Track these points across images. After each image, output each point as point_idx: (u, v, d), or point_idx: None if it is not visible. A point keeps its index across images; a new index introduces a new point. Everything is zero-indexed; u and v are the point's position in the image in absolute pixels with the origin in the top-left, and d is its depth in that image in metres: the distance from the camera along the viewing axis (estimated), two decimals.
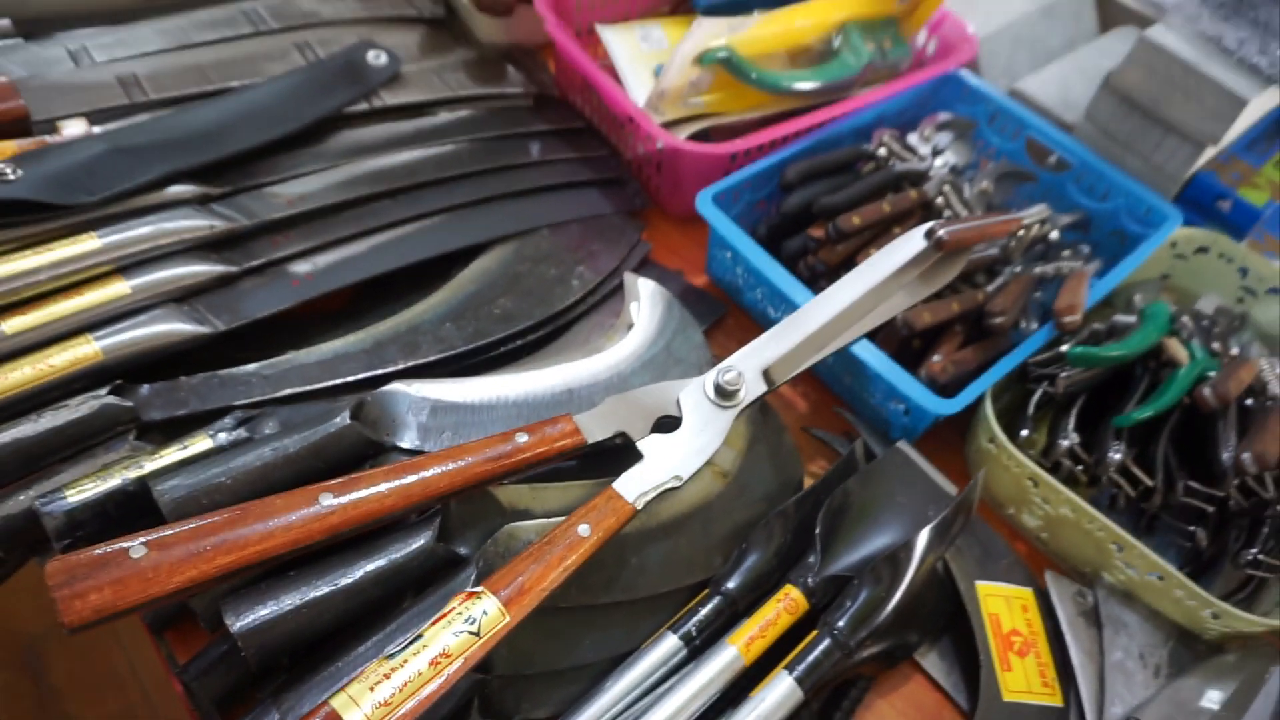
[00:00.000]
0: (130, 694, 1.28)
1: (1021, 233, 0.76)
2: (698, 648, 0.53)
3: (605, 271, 0.75)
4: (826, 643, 0.52)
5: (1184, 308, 0.74)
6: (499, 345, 0.68)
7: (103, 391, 0.56)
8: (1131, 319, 0.72)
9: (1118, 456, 0.64)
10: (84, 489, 0.51)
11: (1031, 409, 0.69)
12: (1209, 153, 0.79)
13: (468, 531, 0.53)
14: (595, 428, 0.56)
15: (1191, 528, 0.64)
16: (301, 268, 0.67)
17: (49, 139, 0.67)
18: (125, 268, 0.61)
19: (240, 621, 0.46)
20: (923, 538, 0.55)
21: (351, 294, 0.72)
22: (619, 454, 0.56)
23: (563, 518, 0.51)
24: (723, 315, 0.78)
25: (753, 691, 0.51)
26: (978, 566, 0.62)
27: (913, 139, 0.83)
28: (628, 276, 0.72)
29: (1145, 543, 0.60)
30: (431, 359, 0.64)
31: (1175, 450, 0.67)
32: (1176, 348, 0.69)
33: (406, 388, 0.58)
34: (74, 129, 0.68)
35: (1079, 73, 0.94)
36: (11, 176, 0.60)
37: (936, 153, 0.83)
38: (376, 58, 0.81)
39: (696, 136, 0.81)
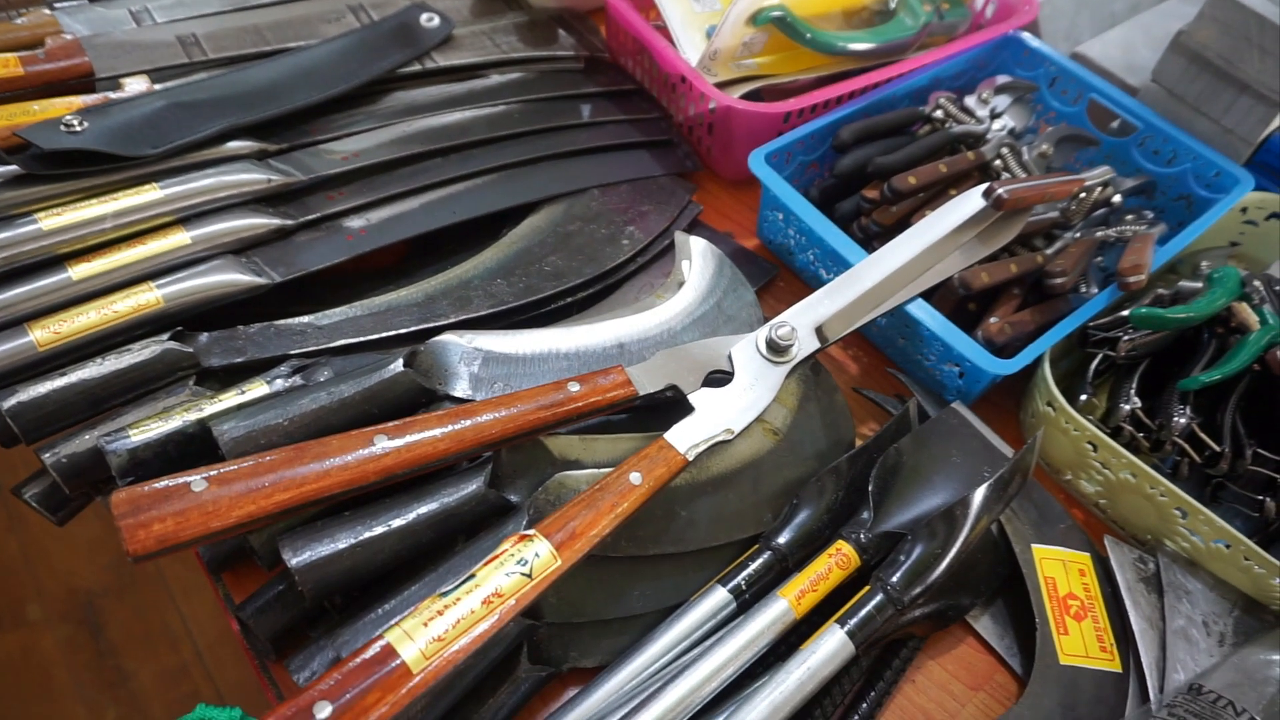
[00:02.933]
0: (184, 651, 1.32)
1: (1083, 195, 0.74)
2: (747, 601, 0.53)
3: (655, 232, 0.75)
4: (879, 598, 0.51)
5: (1255, 273, 0.71)
6: (549, 302, 0.68)
7: (164, 337, 0.57)
8: (1198, 285, 0.70)
9: (1183, 421, 0.62)
10: (146, 429, 0.52)
11: (1091, 373, 0.67)
12: None
13: (518, 479, 0.53)
14: (646, 380, 0.55)
15: (1260, 497, 0.62)
16: (356, 223, 0.68)
17: (112, 95, 0.68)
18: (186, 219, 0.62)
19: (297, 557, 0.46)
20: (979, 495, 0.53)
21: (403, 251, 0.73)
22: (669, 409, 0.56)
23: (613, 468, 0.51)
24: (773, 277, 0.77)
25: (803, 645, 0.51)
26: (1034, 530, 0.61)
27: (970, 102, 0.81)
28: (679, 235, 0.72)
29: (1209, 510, 0.58)
30: (482, 313, 0.64)
31: (1243, 418, 0.64)
32: (1247, 313, 0.66)
33: (459, 338, 0.58)
34: (136, 86, 0.70)
35: (1145, 35, 0.91)
36: (79, 128, 0.61)
37: (994, 116, 0.81)
38: (429, 20, 0.82)
39: (749, 97, 0.79)
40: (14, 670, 1.30)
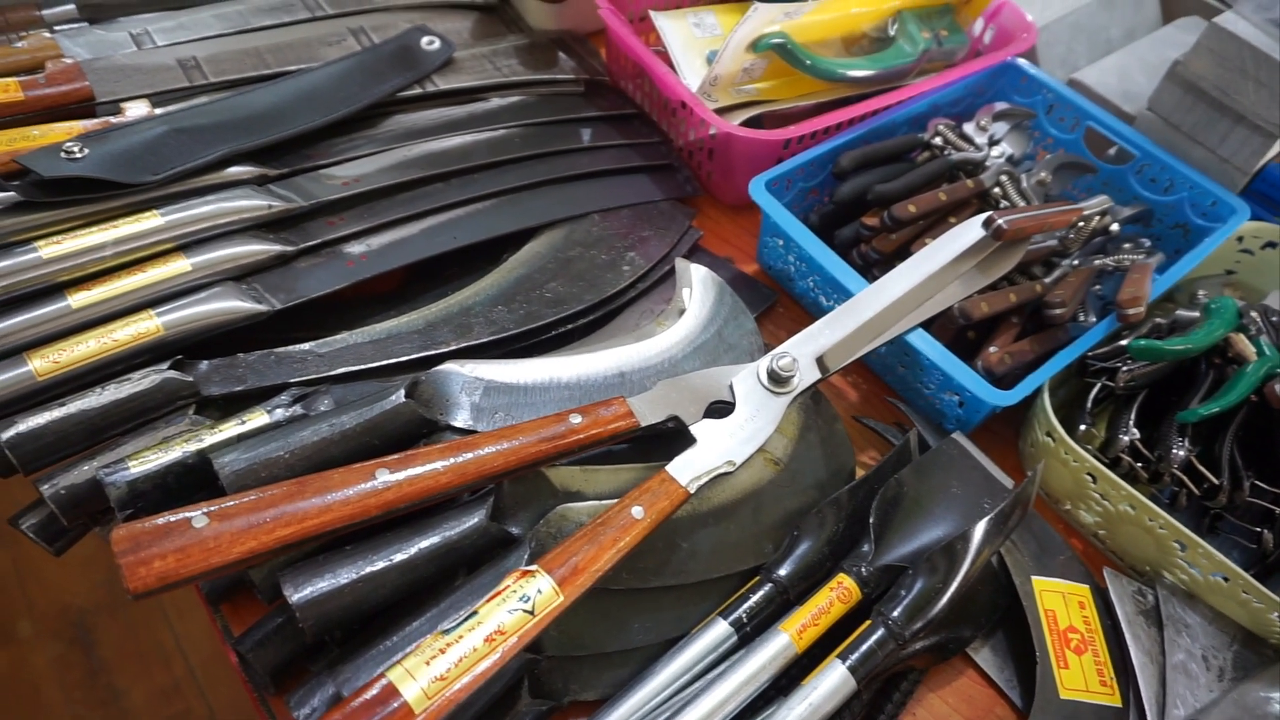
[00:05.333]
0: (176, 669, 1.31)
1: (1081, 224, 0.74)
2: (748, 634, 0.53)
3: (656, 257, 0.75)
4: (880, 632, 0.51)
5: (1252, 303, 0.72)
6: (550, 328, 0.68)
7: (163, 366, 0.57)
8: (1195, 314, 0.70)
9: (1181, 453, 0.62)
10: (146, 460, 0.51)
11: (1090, 403, 0.67)
12: None
13: (520, 511, 0.53)
14: (648, 411, 0.55)
15: (1258, 529, 0.62)
16: (356, 249, 0.68)
17: (113, 120, 0.68)
18: (186, 245, 0.62)
19: (298, 593, 0.46)
20: (980, 529, 0.53)
21: (404, 276, 0.73)
22: (670, 439, 0.56)
23: (615, 500, 0.51)
24: (773, 304, 0.77)
25: (804, 680, 0.50)
26: (1034, 562, 0.61)
27: (968, 128, 0.81)
28: (679, 262, 0.72)
29: (1208, 543, 0.58)
30: (483, 340, 0.64)
31: (1240, 449, 0.65)
32: (1244, 344, 0.67)
33: (460, 368, 0.58)
34: (137, 110, 0.69)
35: (1140, 63, 0.91)
36: (78, 154, 0.61)
37: (993, 142, 0.81)
38: (430, 43, 0.82)
39: (749, 123, 0.80)
40: (4, 688, 1.29)
